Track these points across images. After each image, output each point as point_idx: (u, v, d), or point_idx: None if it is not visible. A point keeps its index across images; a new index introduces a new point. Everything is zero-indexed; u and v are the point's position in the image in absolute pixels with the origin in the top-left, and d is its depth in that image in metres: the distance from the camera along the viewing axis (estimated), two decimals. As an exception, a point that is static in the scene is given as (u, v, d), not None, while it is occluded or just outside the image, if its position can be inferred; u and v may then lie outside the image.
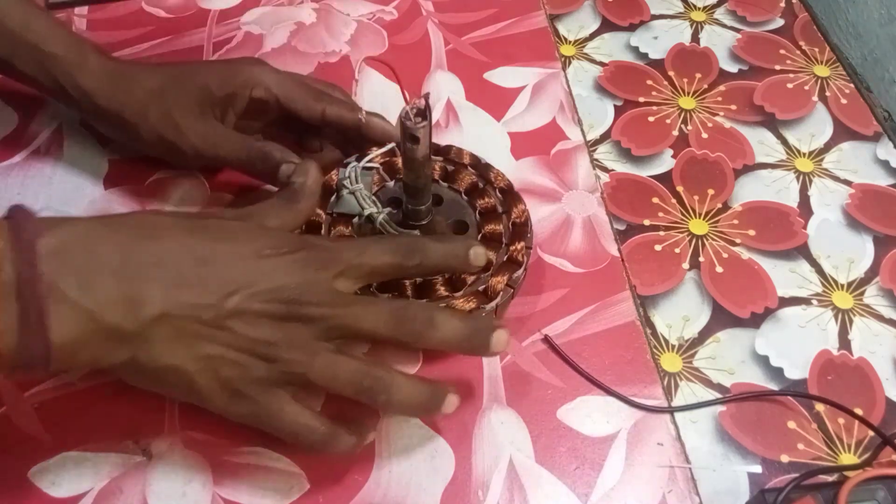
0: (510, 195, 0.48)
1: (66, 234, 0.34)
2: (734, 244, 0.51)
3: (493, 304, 0.43)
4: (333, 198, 0.47)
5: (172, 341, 0.35)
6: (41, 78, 0.48)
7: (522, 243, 0.46)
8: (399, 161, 0.49)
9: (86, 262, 0.34)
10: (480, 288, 0.44)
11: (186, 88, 0.47)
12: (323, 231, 0.46)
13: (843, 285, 0.49)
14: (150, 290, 0.34)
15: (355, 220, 0.47)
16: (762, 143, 0.56)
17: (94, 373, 0.43)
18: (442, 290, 0.44)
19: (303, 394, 0.38)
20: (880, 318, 0.47)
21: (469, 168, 0.49)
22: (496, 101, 0.58)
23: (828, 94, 0.60)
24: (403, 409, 0.39)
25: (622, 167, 0.54)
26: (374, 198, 0.47)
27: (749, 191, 0.53)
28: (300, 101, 0.49)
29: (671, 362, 0.45)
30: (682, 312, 0.47)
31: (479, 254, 0.42)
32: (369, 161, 0.48)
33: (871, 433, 0.42)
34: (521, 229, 0.46)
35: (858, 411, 0.43)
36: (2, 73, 0.49)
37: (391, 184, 0.49)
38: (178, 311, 0.35)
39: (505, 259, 0.45)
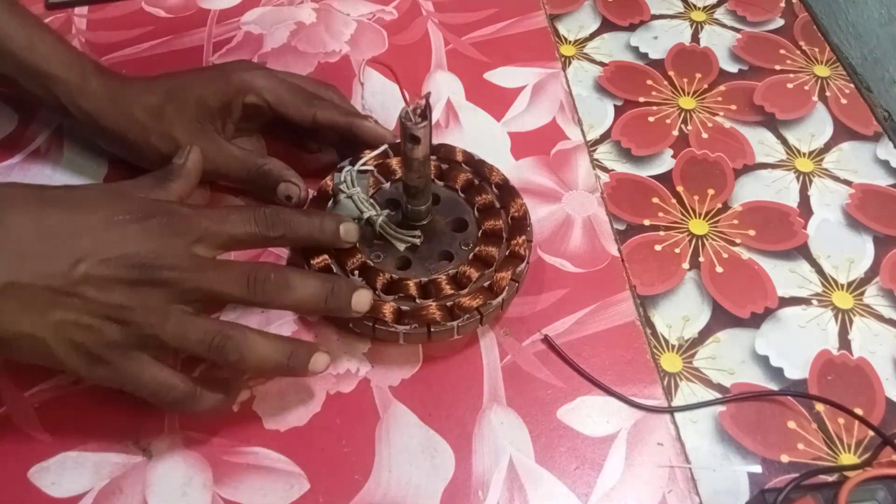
0: (507, 190, 0.48)
1: None
2: (734, 244, 0.51)
3: (499, 299, 0.43)
4: (331, 203, 0.47)
5: (23, 310, 0.35)
6: (45, 98, 0.49)
7: (523, 237, 0.46)
8: (394, 162, 0.49)
9: None
10: (485, 284, 0.44)
11: (184, 105, 0.48)
12: None
13: (843, 285, 0.49)
14: None
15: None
16: (762, 143, 0.56)
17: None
18: (447, 289, 0.44)
19: (163, 355, 0.38)
20: (880, 318, 0.47)
21: (463, 165, 0.49)
22: (496, 101, 0.58)
23: (828, 94, 0.60)
24: (260, 368, 0.40)
25: (622, 167, 0.54)
26: (371, 200, 0.46)
27: (749, 191, 0.53)
28: (291, 107, 0.49)
29: (671, 362, 0.45)
30: (682, 312, 0.47)
31: (349, 230, 0.43)
32: (363, 164, 0.48)
33: (871, 433, 0.42)
34: (521, 223, 0.46)
35: (858, 411, 0.43)
36: (10, 91, 0.50)
37: (387, 185, 0.49)
38: (28, 279, 0.35)
39: (507, 254, 0.45)
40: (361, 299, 0.40)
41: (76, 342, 0.36)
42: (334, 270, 0.44)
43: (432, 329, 0.42)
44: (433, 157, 0.50)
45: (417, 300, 0.44)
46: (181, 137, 0.48)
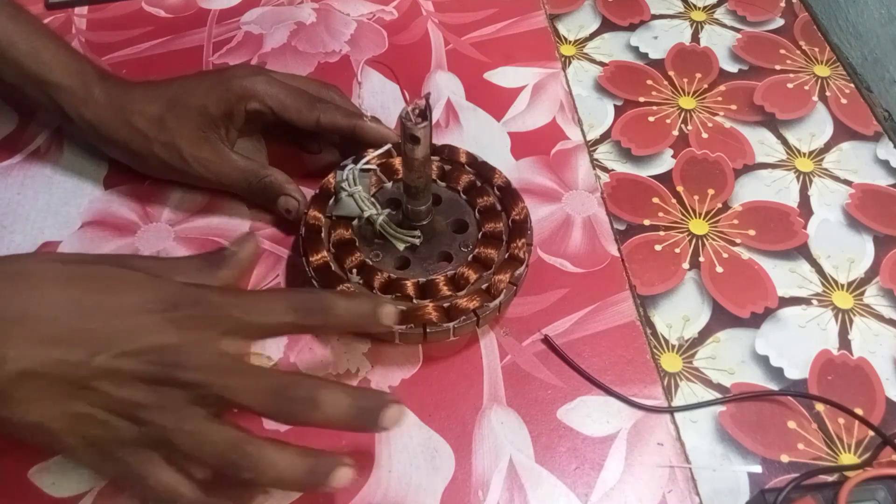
0: (508, 193, 0.48)
1: None
2: (734, 244, 0.51)
3: (496, 301, 0.43)
4: (332, 201, 0.47)
5: (38, 399, 0.34)
6: (48, 106, 0.49)
7: (523, 240, 0.46)
8: (396, 162, 0.49)
9: None
10: (483, 286, 0.44)
11: (186, 113, 0.48)
12: (323, 234, 0.46)
13: (843, 285, 0.49)
14: (12, 347, 0.33)
15: (355, 222, 0.47)
16: (762, 143, 0.56)
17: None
18: (445, 290, 0.44)
19: (175, 457, 0.35)
20: (880, 318, 0.47)
21: (466, 167, 0.49)
22: (496, 101, 0.58)
23: (828, 93, 0.60)
24: (277, 485, 0.36)
25: (622, 167, 0.54)
26: (373, 199, 0.47)
27: (749, 191, 0.53)
28: (294, 111, 0.49)
29: (671, 362, 0.45)
30: (682, 312, 0.47)
31: (388, 313, 0.38)
32: (366, 163, 0.48)
33: (871, 433, 0.42)
34: (521, 226, 0.46)
35: (858, 411, 0.43)
36: (15, 99, 0.50)
37: (389, 185, 0.49)
38: (44, 368, 0.33)
39: (506, 257, 0.45)
40: (392, 417, 0.36)
41: (87, 436, 0.34)
42: (333, 269, 0.44)
43: (428, 330, 0.42)
44: (436, 158, 0.50)
45: (415, 300, 0.44)
46: (185, 147, 0.48)
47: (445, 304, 0.43)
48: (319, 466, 0.35)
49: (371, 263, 0.45)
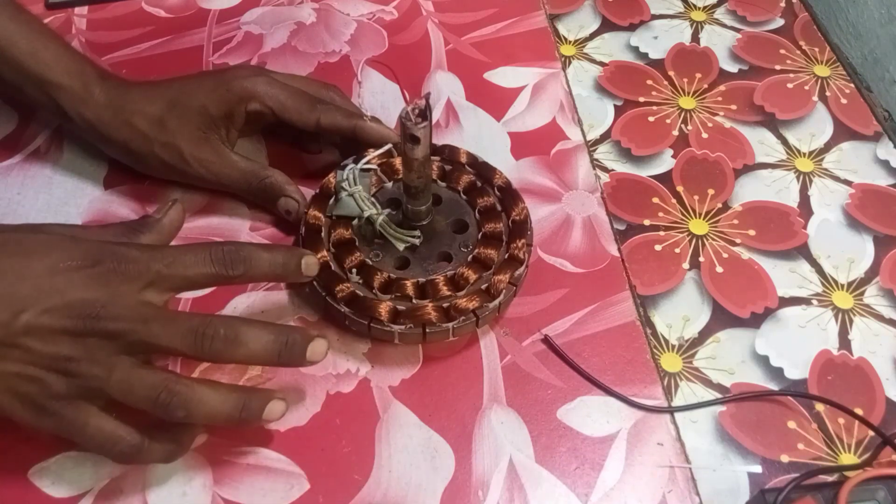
0: (509, 193, 0.48)
1: None
2: (734, 244, 0.51)
3: (495, 301, 0.43)
4: (332, 200, 0.47)
5: None
6: (48, 105, 0.49)
7: (523, 240, 0.46)
8: (397, 162, 0.49)
9: None
10: (483, 287, 0.44)
11: (186, 114, 0.48)
12: (323, 234, 0.46)
13: (843, 285, 0.49)
14: None
15: (355, 222, 0.47)
16: (762, 143, 0.56)
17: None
18: (445, 290, 0.44)
19: (110, 406, 0.37)
20: (880, 318, 0.47)
21: (467, 167, 0.49)
22: (496, 101, 0.58)
23: (828, 93, 0.60)
24: (210, 421, 0.37)
25: (622, 167, 0.54)
26: (373, 199, 0.47)
27: (749, 191, 0.53)
28: (294, 112, 0.49)
29: (671, 362, 0.45)
30: (682, 312, 0.47)
31: (310, 264, 0.40)
32: (367, 162, 0.48)
33: (871, 433, 0.42)
34: (521, 227, 0.46)
35: (858, 411, 0.43)
36: (15, 99, 0.50)
37: (389, 185, 0.49)
38: None
39: (506, 257, 0.45)
40: (316, 350, 0.38)
41: (21, 393, 0.35)
42: (332, 268, 0.44)
43: (427, 330, 0.42)
44: (436, 158, 0.50)
45: (414, 300, 0.44)
46: (185, 147, 0.48)
47: (445, 305, 0.43)
48: (252, 401, 0.38)
49: (371, 263, 0.45)
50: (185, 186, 0.51)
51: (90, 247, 0.37)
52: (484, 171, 0.49)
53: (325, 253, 0.45)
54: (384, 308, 0.43)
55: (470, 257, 0.46)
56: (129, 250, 0.38)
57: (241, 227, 0.50)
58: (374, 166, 0.49)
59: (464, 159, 0.50)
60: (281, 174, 0.49)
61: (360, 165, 0.48)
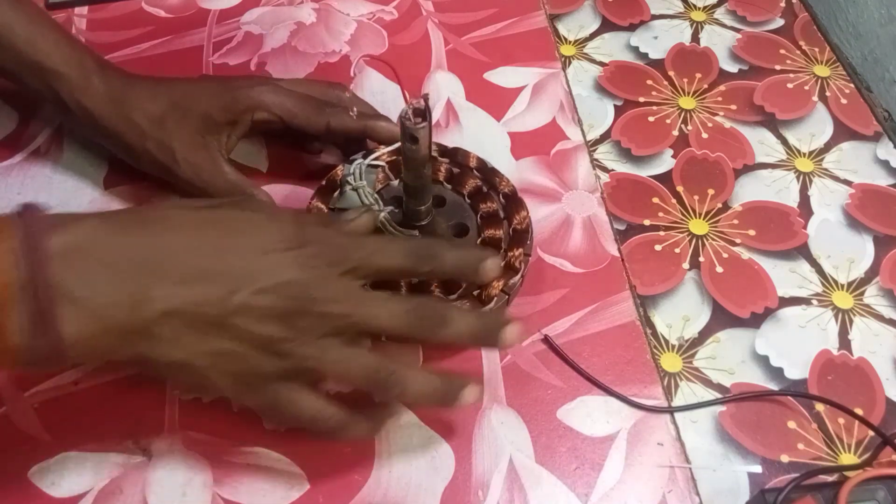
0: (513, 201, 0.48)
1: (73, 234, 0.34)
2: (734, 244, 0.51)
3: (486, 309, 0.43)
4: (337, 193, 0.48)
5: (179, 338, 0.35)
6: (47, 94, 0.48)
7: (521, 250, 0.45)
8: None
9: (92, 262, 0.34)
10: (475, 293, 0.44)
11: (187, 116, 0.48)
12: None
13: (843, 285, 0.49)
14: (154, 288, 0.35)
15: None
16: (762, 143, 0.56)
17: (94, 372, 0.43)
18: (436, 292, 0.44)
19: (316, 384, 0.38)
20: (880, 318, 0.47)
21: (474, 172, 0.49)
22: (496, 101, 0.58)
23: (828, 94, 0.60)
24: (418, 400, 0.40)
25: (622, 167, 0.54)
26: (376, 195, 0.47)
27: (749, 191, 0.53)
28: (303, 119, 0.49)
29: (671, 362, 0.45)
30: (682, 312, 0.47)
31: (490, 267, 0.41)
32: (375, 159, 0.48)
33: (871, 433, 0.42)
34: (521, 236, 0.46)
35: (858, 411, 0.43)
36: (14, 86, 0.50)
37: (395, 183, 0.49)
38: (183, 307, 0.35)
39: (502, 265, 0.45)
40: (512, 334, 0.39)
41: (232, 371, 0.36)
42: None
43: None
44: (445, 161, 0.50)
45: (422, 298, 0.43)
46: (179, 149, 0.47)
47: (454, 303, 0.43)
48: (452, 384, 0.39)
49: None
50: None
51: (297, 229, 0.38)
52: (491, 176, 0.49)
53: None
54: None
55: None
56: (336, 235, 0.39)
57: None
58: (381, 163, 0.48)
59: (472, 163, 0.50)
60: (266, 195, 0.49)
61: (367, 161, 0.48)
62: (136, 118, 0.48)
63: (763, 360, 0.45)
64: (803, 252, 0.50)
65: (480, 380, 0.40)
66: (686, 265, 0.49)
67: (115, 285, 0.34)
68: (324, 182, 0.48)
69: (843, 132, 0.57)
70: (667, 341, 0.46)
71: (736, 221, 0.52)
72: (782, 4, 0.66)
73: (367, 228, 0.44)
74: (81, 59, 0.48)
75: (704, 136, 0.57)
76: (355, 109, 0.50)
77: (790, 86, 0.60)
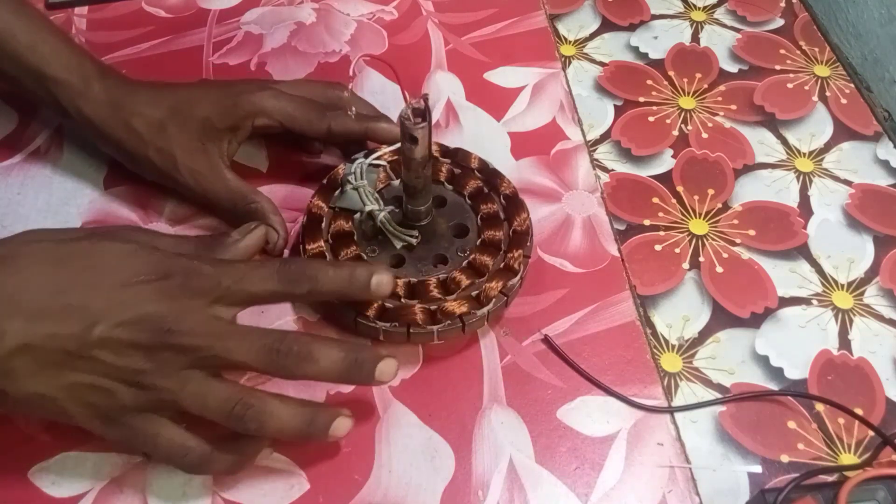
0: (514, 202, 0.48)
1: None
2: (734, 244, 0.51)
3: (484, 310, 0.43)
4: (337, 192, 0.48)
5: (36, 371, 0.35)
6: (47, 100, 0.48)
7: (520, 251, 0.45)
8: None
9: None
10: (474, 293, 0.44)
11: (187, 123, 0.47)
12: (324, 225, 0.46)
13: (843, 285, 0.49)
14: (9, 323, 0.34)
15: (356, 215, 0.47)
16: (762, 143, 0.56)
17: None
18: (435, 292, 0.44)
19: (178, 417, 0.37)
20: (880, 318, 0.47)
21: (476, 173, 0.49)
22: (496, 101, 0.58)
23: (828, 94, 0.60)
24: (280, 435, 0.38)
25: (622, 167, 0.54)
26: (377, 195, 0.47)
27: (749, 191, 0.53)
28: (304, 123, 0.49)
29: (671, 362, 0.45)
30: (682, 312, 0.47)
31: (382, 282, 0.40)
32: (376, 158, 0.48)
33: (871, 433, 0.42)
34: (521, 237, 0.46)
35: (858, 411, 0.43)
36: (15, 93, 0.50)
37: (396, 182, 0.49)
38: (40, 341, 0.35)
39: (502, 266, 0.45)
40: (385, 370, 0.39)
41: (91, 403, 0.36)
42: (327, 259, 0.45)
43: (412, 330, 0.42)
44: (447, 161, 0.50)
45: (403, 299, 0.44)
46: (179, 156, 0.47)
47: (432, 307, 0.43)
48: (319, 416, 0.38)
49: (366, 258, 0.45)
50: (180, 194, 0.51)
51: (161, 260, 0.38)
52: (492, 177, 0.49)
53: (321, 243, 0.45)
54: (371, 304, 0.43)
55: (465, 262, 0.45)
56: (201, 265, 0.38)
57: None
58: (383, 162, 0.48)
59: (474, 164, 0.50)
60: (269, 202, 0.48)
61: (368, 160, 0.48)
62: (137, 125, 0.47)
63: (763, 360, 0.45)
64: (803, 252, 0.50)
65: (349, 412, 0.39)
66: (686, 265, 0.49)
67: None
68: (325, 181, 0.48)
69: (843, 132, 0.57)
70: (667, 341, 0.46)
71: (736, 221, 0.52)
72: (782, 4, 0.66)
73: (255, 247, 0.43)
74: (82, 66, 0.48)
75: (704, 136, 0.57)
76: (354, 109, 0.50)
77: (790, 86, 0.60)
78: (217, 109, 0.48)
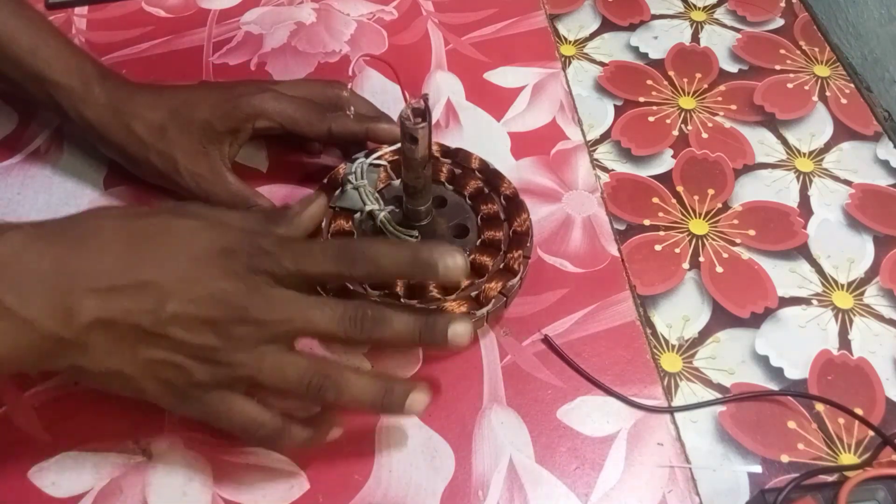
0: (514, 203, 0.48)
1: (5, 246, 0.35)
2: (734, 244, 0.51)
3: (483, 310, 0.43)
4: (338, 192, 0.48)
5: (112, 347, 0.35)
6: (48, 103, 0.48)
7: (520, 252, 0.45)
8: None
9: (24, 273, 0.34)
10: (473, 293, 0.44)
11: (188, 126, 0.47)
12: (324, 224, 0.46)
13: (843, 285, 0.49)
14: (85, 299, 0.35)
15: (357, 215, 0.47)
16: (762, 143, 0.56)
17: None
18: (434, 293, 0.44)
19: (251, 391, 0.38)
20: (880, 318, 0.47)
21: (477, 173, 0.49)
22: (496, 101, 0.58)
23: (828, 94, 0.60)
24: (357, 405, 0.39)
25: (622, 167, 0.54)
26: (377, 195, 0.47)
27: (749, 191, 0.53)
28: (305, 125, 0.49)
29: (671, 362, 0.45)
30: (682, 312, 0.47)
31: (454, 265, 0.37)
32: (377, 158, 0.48)
33: (871, 433, 0.42)
34: (521, 238, 0.46)
35: (858, 411, 0.43)
36: (16, 96, 0.50)
37: (397, 182, 0.49)
38: (114, 316, 0.35)
39: (501, 266, 0.45)
40: (458, 332, 0.38)
41: (166, 380, 0.36)
42: None
43: None
44: (448, 161, 0.50)
45: (402, 299, 0.44)
46: (181, 159, 0.47)
47: (432, 307, 0.43)
48: (396, 389, 0.38)
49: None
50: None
51: (229, 236, 0.38)
52: (493, 178, 0.49)
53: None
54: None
55: None
56: (265, 242, 0.38)
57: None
58: (383, 162, 0.48)
59: (475, 165, 0.50)
60: (269, 204, 0.48)
61: (369, 160, 0.48)
62: (137, 129, 0.47)
63: (763, 360, 0.45)
64: (803, 252, 0.50)
65: (427, 387, 0.39)
66: (686, 265, 0.49)
67: (45, 296, 0.34)
68: (325, 181, 0.48)
69: (843, 132, 0.57)
70: (667, 341, 0.46)
71: (736, 221, 0.52)
72: (782, 4, 0.66)
73: (317, 217, 0.43)
74: (82, 69, 0.48)
75: (704, 136, 0.57)
76: (352, 109, 0.50)
77: (790, 86, 0.60)
78: (217, 112, 0.48)
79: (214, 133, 0.48)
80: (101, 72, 0.49)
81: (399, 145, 0.48)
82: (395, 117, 0.52)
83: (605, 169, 0.54)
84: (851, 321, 0.47)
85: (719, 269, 0.49)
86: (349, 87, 0.53)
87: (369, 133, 0.49)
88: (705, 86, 0.60)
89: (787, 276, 0.49)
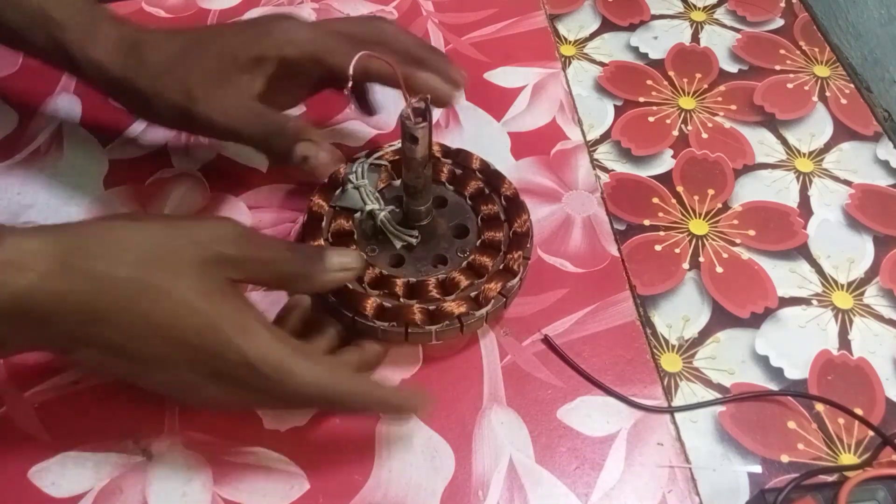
0: (515, 204, 0.48)
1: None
2: (734, 244, 0.51)
3: (483, 311, 0.43)
4: (338, 191, 0.48)
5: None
6: (53, 51, 0.45)
7: (520, 253, 0.45)
8: None
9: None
10: (473, 294, 0.44)
11: (208, 53, 0.43)
12: (324, 224, 0.46)
13: (843, 285, 0.49)
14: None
15: (357, 215, 0.47)
16: (762, 143, 0.56)
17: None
18: (434, 292, 0.44)
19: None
20: (880, 318, 0.47)
21: (477, 173, 0.49)
22: (496, 101, 0.58)
23: (828, 94, 0.60)
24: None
25: (622, 167, 0.54)
26: (377, 195, 0.47)
27: (749, 191, 0.53)
28: (339, 55, 0.44)
29: (671, 362, 0.45)
30: (682, 312, 0.47)
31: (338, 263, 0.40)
32: (378, 158, 0.48)
33: (871, 433, 0.42)
34: (522, 239, 0.46)
35: (858, 411, 0.43)
36: (19, 49, 0.47)
37: (397, 182, 0.49)
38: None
39: (501, 267, 0.45)
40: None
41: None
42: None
43: (410, 330, 0.42)
44: (448, 161, 0.50)
45: (402, 299, 0.43)
46: (196, 86, 0.43)
47: (431, 307, 0.43)
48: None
49: (365, 257, 0.45)
50: (187, 177, 0.49)
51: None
52: (493, 178, 0.49)
53: (321, 242, 0.45)
54: (370, 303, 0.43)
55: (465, 263, 0.45)
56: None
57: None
58: (384, 162, 0.48)
59: (475, 165, 0.50)
60: (302, 121, 0.43)
61: (370, 160, 0.48)
62: (150, 56, 0.43)
63: (763, 360, 0.45)
64: (803, 252, 0.50)
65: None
66: (686, 265, 0.49)
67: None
68: (325, 180, 0.48)
69: (843, 132, 0.57)
70: (667, 341, 0.46)
71: (736, 221, 0.52)
72: (782, 4, 0.66)
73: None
74: (90, 8, 0.45)
75: (704, 136, 0.57)
76: (398, 45, 0.45)
77: (790, 86, 0.60)
78: (240, 39, 0.44)
79: (236, 61, 0.43)
80: (111, 13, 0.46)
81: (397, 145, 0.48)
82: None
83: (605, 169, 0.54)
84: (851, 321, 0.47)
85: (719, 270, 0.49)
86: (394, 21, 0.49)
87: (407, 81, 0.41)
88: (705, 86, 0.60)
89: (787, 277, 0.49)
